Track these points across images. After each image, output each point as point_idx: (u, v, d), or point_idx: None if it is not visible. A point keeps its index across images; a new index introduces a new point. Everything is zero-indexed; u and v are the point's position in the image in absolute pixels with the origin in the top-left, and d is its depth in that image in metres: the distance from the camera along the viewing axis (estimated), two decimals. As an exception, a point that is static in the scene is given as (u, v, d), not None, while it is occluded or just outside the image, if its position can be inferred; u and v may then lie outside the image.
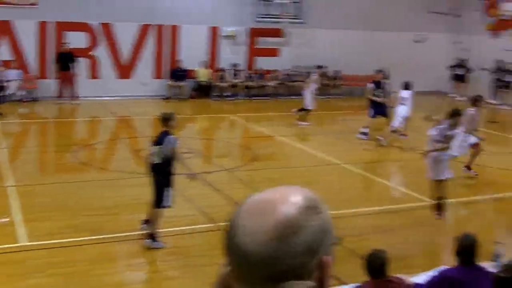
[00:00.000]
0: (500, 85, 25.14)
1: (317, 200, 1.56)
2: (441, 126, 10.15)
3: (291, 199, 1.52)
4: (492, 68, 25.47)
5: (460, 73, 26.83)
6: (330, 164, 14.00)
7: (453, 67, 27.17)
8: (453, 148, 12.10)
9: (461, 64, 26.84)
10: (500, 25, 25.80)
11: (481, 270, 5.59)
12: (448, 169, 10.33)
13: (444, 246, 8.98)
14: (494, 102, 25.23)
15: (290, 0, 24.38)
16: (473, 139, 13.10)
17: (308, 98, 19.03)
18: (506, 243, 7.79)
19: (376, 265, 5.28)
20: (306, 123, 18.81)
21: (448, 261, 5.73)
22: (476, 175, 13.26)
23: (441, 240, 9.44)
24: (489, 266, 6.15)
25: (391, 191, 11.91)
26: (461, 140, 12.55)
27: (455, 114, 10.08)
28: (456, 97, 26.71)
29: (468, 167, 13.32)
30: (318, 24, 25.11)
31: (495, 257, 6.29)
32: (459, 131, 12.18)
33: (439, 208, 10.15)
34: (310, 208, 1.52)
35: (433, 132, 10.35)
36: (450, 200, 11.06)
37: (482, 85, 25.97)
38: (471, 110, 13.12)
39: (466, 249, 5.56)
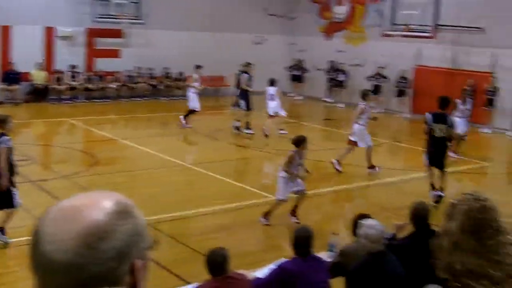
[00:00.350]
0: (334, 84, 26.49)
1: (128, 205, 1.55)
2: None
3: (100, 205, 1.49)
4: (326, 68, 26.83)
5: (297, 74, 27.97)
6: (175, 166, 14.02)
7: (290, 67, 28.26)
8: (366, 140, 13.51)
9: (298, 65, 27.98)
10: (332, 27, 27.24)
11: (316, 260, 5.93)
12: None
13: (286, 239, 9.32)
14: (330, 100, 26.61)
15: (128, 0, 24.02)
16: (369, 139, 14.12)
17: (193, 99, 19.17)
18: (341, 234, 8.24)
19: (216, 263, 5.38)
20: (188, 125, 18.76)
21: (290, 254, 5.99)
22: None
23: (284, 234, 9.78)
24: (325, 256, 6.50)
25: (234, 189, 12.14)
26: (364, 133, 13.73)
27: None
28: (294, 96, 27.88)
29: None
30: (158, 25, 25.03)
31: (330, 247, 6.65)
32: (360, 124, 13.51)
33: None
34: (120, 213, 1.50)
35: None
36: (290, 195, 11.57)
37: (318, 85, 27.35)
38: (362, 104, 13.91)
39: (301, 241, 5.86)
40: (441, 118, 11.58)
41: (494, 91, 20.12)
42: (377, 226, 5.61)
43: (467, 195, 2.79)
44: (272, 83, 18.29)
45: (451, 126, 11.69)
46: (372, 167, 14.02)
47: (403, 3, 22.61)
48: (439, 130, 11.45)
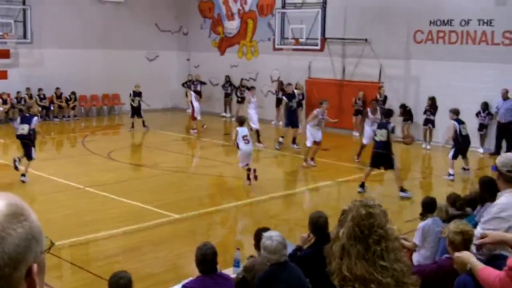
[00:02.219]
0: (238, 101, 26.36)
1: (21, 206, 1.46)
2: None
3: None
4: (222, 82, 27.10)
5: (194, 89, 27.99)
6: (72, 189, 13.73)
7: (186, 83, 28.29)
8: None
9: (194, 80, 28.04)
10: (225, 42, 27.62)
11: (221, 277, 5.97)
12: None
13: (192, 258, 9.40)
14: (227, 115, 26.89)
15: (14, 19, 23.30)
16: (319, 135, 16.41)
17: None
18: (244, 248, 8.44)
19: (119, 287, 5.39)
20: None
21: (196, 273, 6.05)
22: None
23: (188, 253, 9.86)
24: (231, 272, 6.65)
25: (135, 210, 12.07)
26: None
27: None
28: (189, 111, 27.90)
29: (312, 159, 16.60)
30: (47, 43, 24.48)
31: (235, 263, 6.79)
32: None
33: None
34: (12, 216, 1.42)
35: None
36: (192, 213, 11.70)
37: (215, 100, 27.60)
38: (316, 110, 16.52)
39: (205, 259, 5.86)
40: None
41: (384, 101, 21.06)
42: (275, 237, 5.67)
43: (356, 201, 2.83)
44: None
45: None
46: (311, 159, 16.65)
47: (291, 17, 23.32)
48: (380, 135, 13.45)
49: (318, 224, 6.53)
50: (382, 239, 2.70)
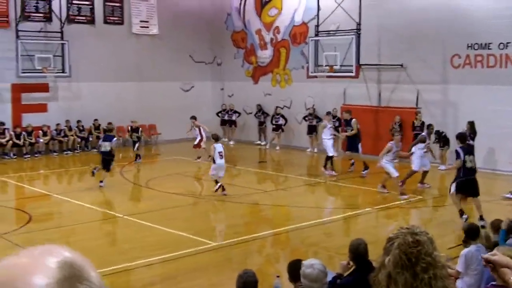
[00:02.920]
0: (274, 128, 26.44)
1: (79, 264, 1.20)
2: None
3: (40, 269, 1.14)
4: (255, 111, 27.25)
5: (228, 118, 28.25)
6: (111, 218, 13.89)
7: (221, 112, 28.55)
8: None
9: (228, 110, 28.26)
10: (258, 71, 27.83)
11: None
12: None
13: (229, 286, 9.38)
14: (262, 143, 26.97)
15: (53, 54, 23.85)
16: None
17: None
18: (284, 276, 8.39)
19: None
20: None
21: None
22: None
23: (225, 281, 9.84)
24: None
25: (173, 238, 12.12)
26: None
27: None
28: (226, 141, 28.08)
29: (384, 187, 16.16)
30: (84, 77, 25.03)
31: (275, 290, 6.76)
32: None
33: None
34: (69, 279, 1.15)
35: None
36: (228, 241, 11.71)
37: (249, 128, 27.75)
38: (390, 142, 16.18)
39: (246, 286, 5.85)
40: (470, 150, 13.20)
41: (421, 126, 20.84)
42: (316, 265, 5.62)
43: (402, 229, 2.79)
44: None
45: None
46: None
47: (325, 44, 23.38)
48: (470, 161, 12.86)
49: (358, 252, 6.48)
50: (430, 266, 2.67)
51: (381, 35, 22.41)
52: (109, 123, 22.11)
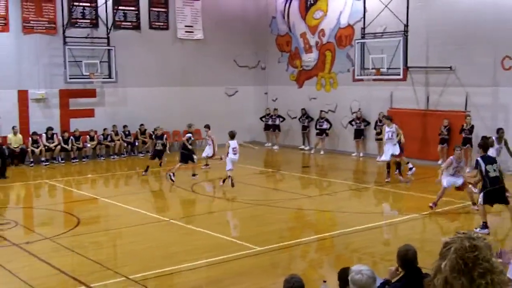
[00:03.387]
0: (318, 132, 26.22)
1: None
2: None
3: None
4: (300, 115, 27.12)
5: (272, 123, 28.19)
6: (157, 221, 13.96)
7: (264, 117, 28.50)
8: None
9: (272, 114, 28.22)
10: (303, 75, 27.69)
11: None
12: None
13: (274, 290, 9.31)
14: (306, 147, 26.83)
15: (99, 60, 24.20)
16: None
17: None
18: (329, 281, 8.26)
19: None
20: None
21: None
22: None
23: (271, 286, 9.77)
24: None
25: (219, 242, 12.11)
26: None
27: None
28: (270, 146, 28.05)
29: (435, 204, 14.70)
30: (130, 82, 25.33)
31: (322, 295, 6.65)
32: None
33: None
34: None
35: None
36: (273, 246, 11.63)
37: (293, 133, 27.64)
38: (451, 157, 14.78)
39: None
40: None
41: (471, 130, 20.44)
42: (364, 271, 5.52)
43: (459, 233, 2.79)
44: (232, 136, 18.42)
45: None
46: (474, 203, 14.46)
47: (371, 47, 23.10)
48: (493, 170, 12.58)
49: (407, 258, 6.35)
50: (488, 272, 2.64)
51: (429, 37, 22.03)
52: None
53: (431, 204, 14.67)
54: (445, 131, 21.26)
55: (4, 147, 21.49)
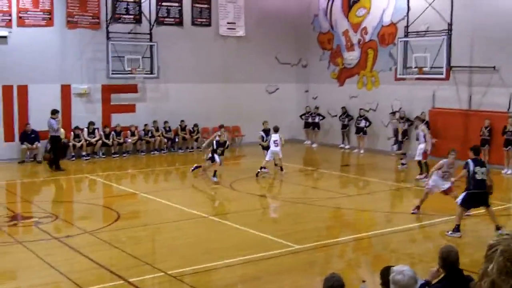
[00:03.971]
0: (356, 131, 26.14)
1: None
2: None
3: None
4: (340, 114, 26.90)
5: (312, 121, 28.05)
6: (196, 217, 14.02)
7: (304, 115, 28.38)
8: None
9: (312, 112, 28.09)
10: (344, 73, 27.48)
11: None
12: None
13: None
14: (346, 146, 26.61)
15: (141, 55, 24.41)
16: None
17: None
18: (368, 281, 8.16)
19: None
20: None
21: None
22: None
23: (308, 285, 9.70)
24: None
25: (256, 239, 12.09)
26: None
27: None
28: (309, 143, 27.93)
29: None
30: (172, 78, 25.52)
31: (361, 296, 6.58)
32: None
33: None
34: None
35: None
36: (311, 244, 11.55)
37: (333, 131, 27.45)
38: (443, 160, 14.17)
39: None
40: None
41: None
42: (406, 271, 5.47)
43: (504, 235, 2.74)
44: (276, 129, 19.95)
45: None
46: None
47: (415, 46, 22.76)
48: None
49: (449, 259, 6.23)
50: None
51: (473, 36, 21.61)
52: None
53: (413, 210, 14.27)
54: (487, 132, 20.83)
55: (64, 140, 21.95)
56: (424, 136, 18.82)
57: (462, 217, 12.66)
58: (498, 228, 12.26)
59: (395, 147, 22.74)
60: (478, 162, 12.64)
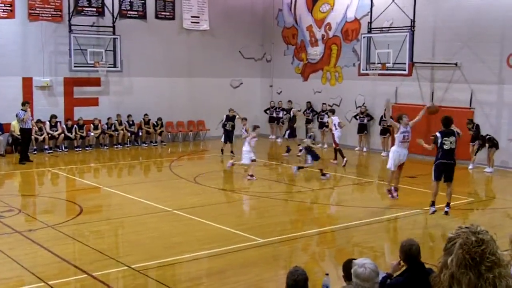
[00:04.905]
0: (320, 126, 26.29)
1: None
2: None
3: None
4: (305, 108, 27.04)
5: (276, 116, 28.13)
6: (160, 212, 13.97)
7: (269, 109, 28.46)
8: None
9: (276, 107, 28.17)
10: (308, 68, 27.62)
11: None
12: None
13: (277, 283, 9.31)
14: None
15: (104, 48, 24.14)
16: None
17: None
18: (331, 274, 8.26)
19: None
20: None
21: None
22: None
23: (272, 277, 9.77)
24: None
25: (221, 233, 12.11)
26: None
27: None
28: (273, 138, 28.03)
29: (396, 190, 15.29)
30: (135, 72, 25.31)
31: (324, 288, 6.64)
32: None
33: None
34: None
35: None
36: (275, 238, 11.63)
37: (298, 126, 27.53)
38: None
39: (297, 284, 5.74)
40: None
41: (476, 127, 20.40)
42: (367, 264, 5.51)
43: (463, 228, 2.77)
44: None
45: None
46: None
47: (378, 42, 23.02)
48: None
49: (410, 252, 6.35)
50: (495, 265, 2.63)
51: (436, 33, 21.97)
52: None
53: (393, 194, 15.06)
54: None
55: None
56: (339, 124, 21.29)
57: (437, 192, 13.31)
58: (447, 204, 13.13)
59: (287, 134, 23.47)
60: (445, 133, 13.04)
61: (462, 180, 17.53)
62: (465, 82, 21.27)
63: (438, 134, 13.14)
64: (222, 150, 22.60)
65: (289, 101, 26.98)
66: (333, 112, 22.26)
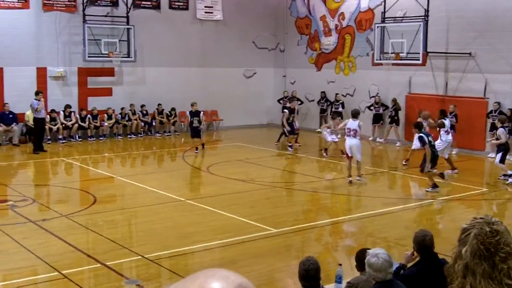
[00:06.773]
0: (326, 116, 26.37)
1: None
2: None
3: None
4: (318, 99, 26.97)
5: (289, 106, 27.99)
6: (173, 201, 14.01)
7: (282, 99, 28.35)
8: None
9: (289, 97, 28.05)
10: (322, 58, 27.50)
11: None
12: None
13: (289, 273, 9.31)
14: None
15: (118, 39, 24.17)
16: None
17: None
18: (344, 264, 8.25)
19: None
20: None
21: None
22: None
23: (285, 268, 9.78)
24: (332, 288, 6.50)
25: (235, 223, 12.13)
26: None
27: None
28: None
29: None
30: (149, 62, 25.33)
31: (337, 279, 6.64)
32: None
33: None
34: None
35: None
36: (288, 228, 11.64)
37: (311, 116, 27.52)
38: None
39: (308, 274, 5.73)
40: None
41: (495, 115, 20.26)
42: (380, 254, 5.53)
43: (477, 219, 2.77)
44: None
45: None
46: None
47: (392, 32, 22.86)
48: None
49: (424, 243, 6.35)
50: (509, 256, 2.63)
51: (450, 22, 21.77)
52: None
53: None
54: (451, 117, 20.64)
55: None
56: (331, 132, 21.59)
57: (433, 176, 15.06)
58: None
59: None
60: (427, 134, 15.30)
61: (478, 171, 17.35)
62: (479, 72, 21.09)
63: (424, 136, 15.13)
64: (196, 148, 21.46)
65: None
66: (335, 116, 21.05)
